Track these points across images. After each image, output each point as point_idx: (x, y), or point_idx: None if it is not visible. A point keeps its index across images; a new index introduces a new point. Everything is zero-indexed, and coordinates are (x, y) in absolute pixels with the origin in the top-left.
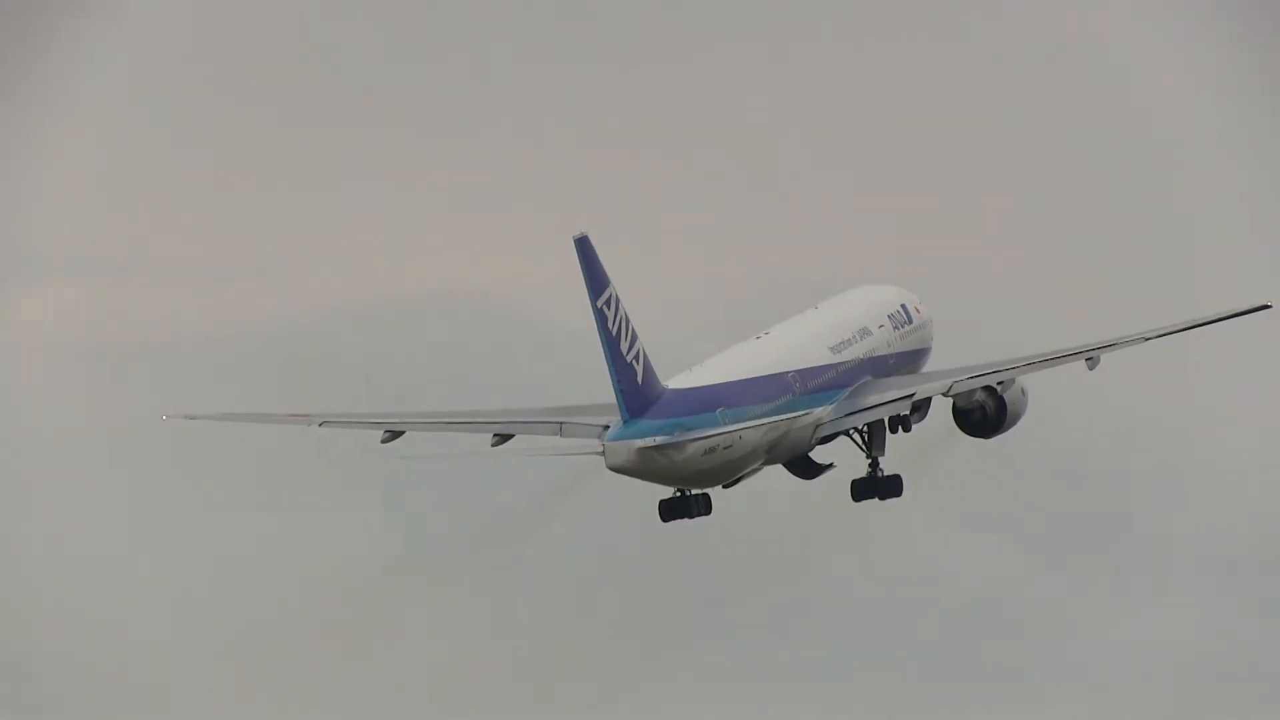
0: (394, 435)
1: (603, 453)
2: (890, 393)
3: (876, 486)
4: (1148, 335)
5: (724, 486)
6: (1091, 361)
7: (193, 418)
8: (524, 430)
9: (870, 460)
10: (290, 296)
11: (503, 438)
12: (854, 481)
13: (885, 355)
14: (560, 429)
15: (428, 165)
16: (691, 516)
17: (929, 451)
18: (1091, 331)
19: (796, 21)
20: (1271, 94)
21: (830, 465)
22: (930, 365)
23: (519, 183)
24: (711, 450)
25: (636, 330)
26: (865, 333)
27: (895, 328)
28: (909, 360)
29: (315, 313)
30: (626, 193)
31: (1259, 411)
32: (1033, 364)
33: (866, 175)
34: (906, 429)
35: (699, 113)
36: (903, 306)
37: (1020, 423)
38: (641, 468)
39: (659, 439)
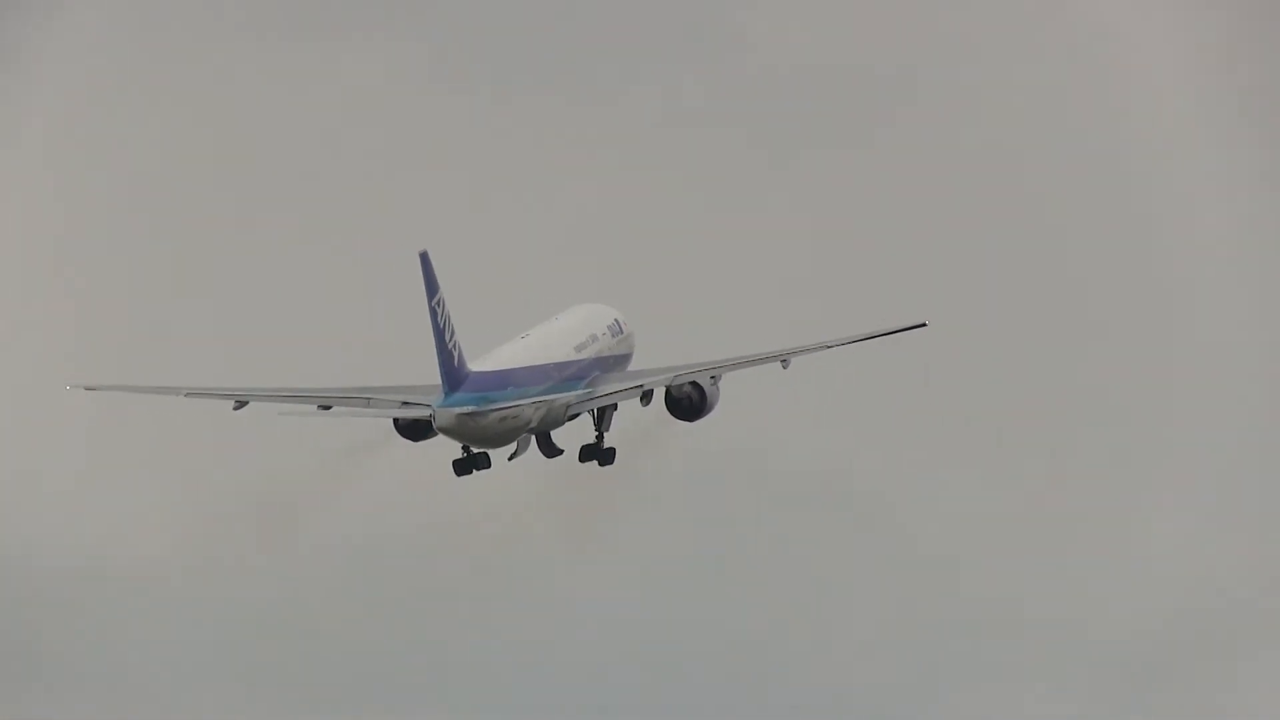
0: (242, 404)
1: (431, 417)
2: (624, 383)
3: (598, 454)
4: (829, 344)
5: (509, 460)
6: (785, 363)
7: (91, 388)
8: (340, 402)
9: (598, 434)
10: None
11: (324, 407)
12: (582, 447)
13: (608, 356)
14: (369, 401)
15: None
16: (478, 469)
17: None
18: (785, 339)
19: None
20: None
21: (562, 451)
22: (634, 365)
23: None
24: (504, 418)
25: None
26: (594, 338)
27: (613, 336)
28: (621, 362)
29: None
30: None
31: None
32: (739, 363)
33: (590, 206)
34: (614, 408)
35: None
36: (616, 320)
37: (714, 411)
38: (458, 429)
39: (471, 408)
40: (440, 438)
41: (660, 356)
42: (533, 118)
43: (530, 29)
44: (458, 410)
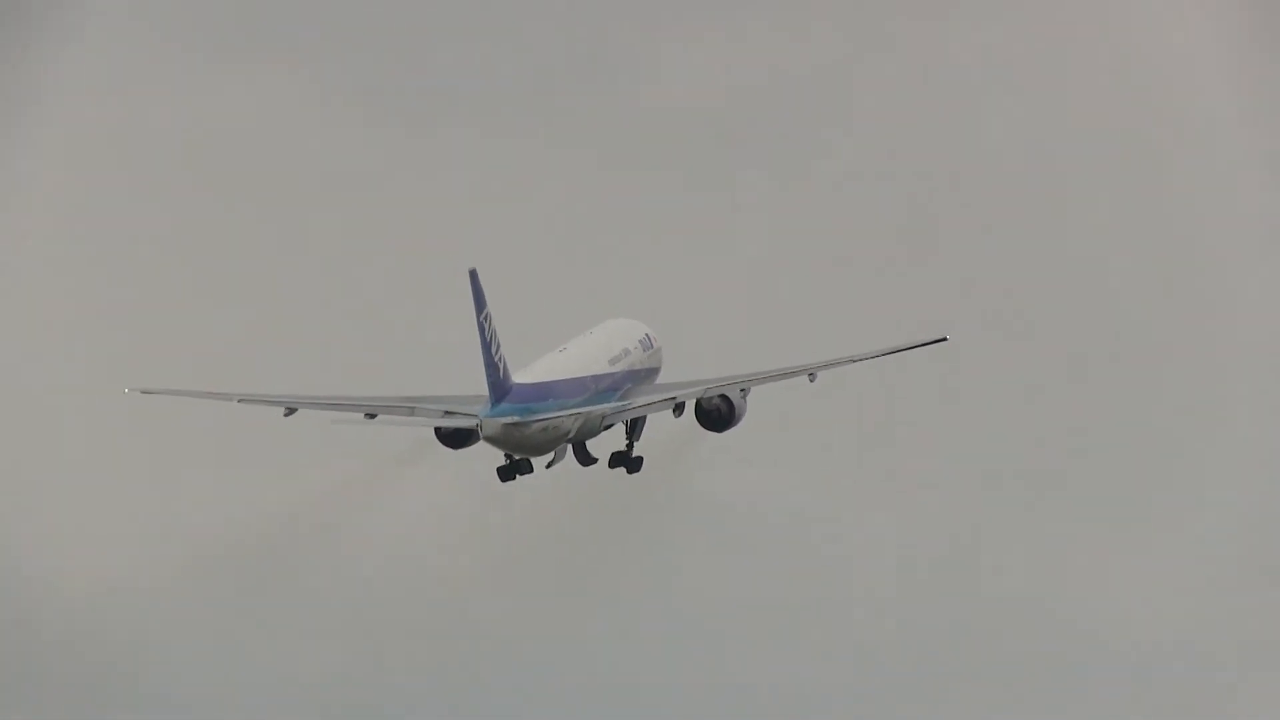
0: (291, 411)
1: (478, 426)
2: (659, 395)
3: (626, 460)
4: (855, 358)
5: (546, 467)
6: (812, 377)
7: (148, 392)
8: (385, 410)
9: (629, 443)
10: None
11: (370, 415)
12: (613, 453)
13: (639, 369)
14: (413, 410)
15: None
16: (520, 474)
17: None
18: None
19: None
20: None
21: (597, 459)
22: (661, 378)
23: None
24: (546, 429)
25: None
26: (627, 352)
27: (643, 350)
28: (650, 375)
29: None
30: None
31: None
32: (768, 376)
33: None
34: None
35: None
36: (646, 334)
37: (741, 422)
38: (504, 438)
39: (516, 418)
40: (480, 446)
41: (685, 370)
42: (559, 136)
43: (556, 36)
44: (503, 420)
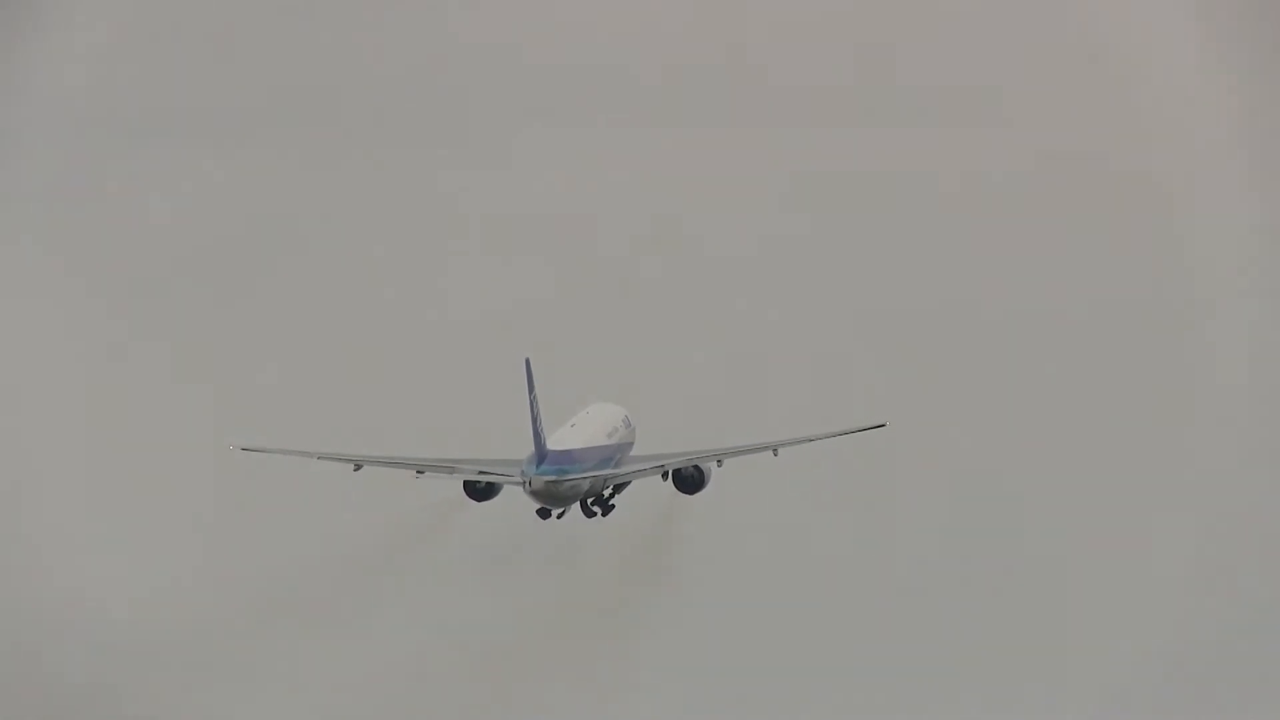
0: (359, 467)
1: (526, 482)
2: (646, 463)
3: (603, 505)
4: (813, 437)
5: (557, 517)
6: (775, 451)
7: (248, 449)
8: (431, 469)
9: (611, 493)
10: None
11: (419, 471)
12: (596, 496)
13: (623, 443)
14: (452, 470)
15: None
16: (551, 516)
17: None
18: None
19: None
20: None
21: (597, 513)
22: (635, 451)
23: None
24: (573, 485)
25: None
26: (616, 429)
27: (626, 427)
28: (629, 447)
29: None
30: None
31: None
32: (738, 450)
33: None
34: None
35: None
36: (625, 416)
37: (709, 486)
38: (545, 491)
39: (554, 476)
40: (498, 499)
41: (650, 445)
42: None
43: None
44: (546, 478)
